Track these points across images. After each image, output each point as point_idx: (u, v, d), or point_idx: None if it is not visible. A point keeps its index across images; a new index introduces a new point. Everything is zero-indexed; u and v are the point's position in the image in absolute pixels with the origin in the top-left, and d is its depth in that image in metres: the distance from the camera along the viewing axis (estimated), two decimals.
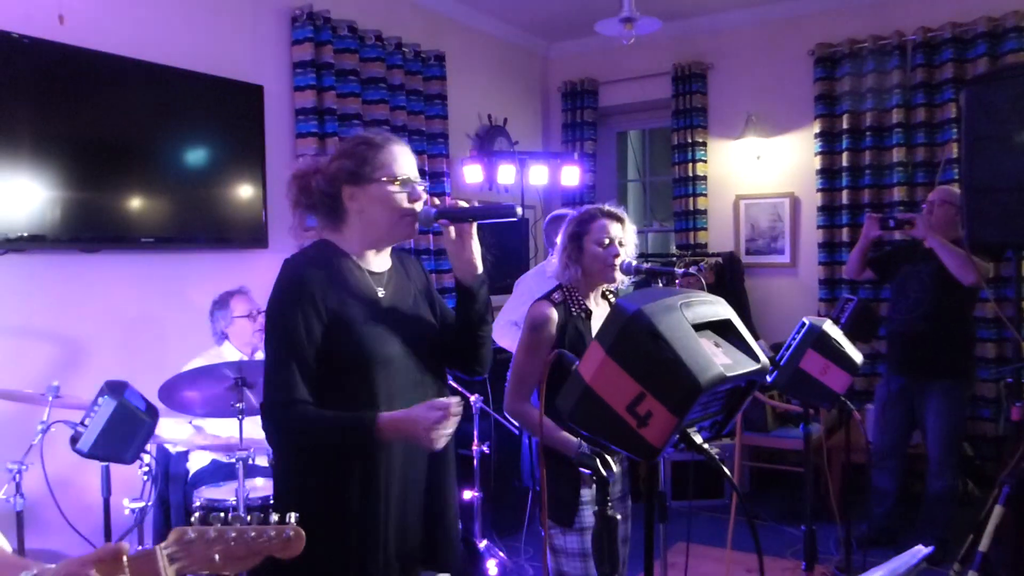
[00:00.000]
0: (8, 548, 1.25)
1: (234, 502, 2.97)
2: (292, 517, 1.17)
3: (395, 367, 1.80)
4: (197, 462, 3.49)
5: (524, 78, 6.48)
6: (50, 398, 2.83)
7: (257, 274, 4.18)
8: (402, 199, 1.83)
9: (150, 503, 2.80)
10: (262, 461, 3.41)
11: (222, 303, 3.59)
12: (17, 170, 3.28)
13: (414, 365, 1.85)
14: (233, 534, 1.12)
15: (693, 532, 4.50)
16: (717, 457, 1.33)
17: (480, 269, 1.89)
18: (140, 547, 2.89)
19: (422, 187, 1.87)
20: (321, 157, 1.91)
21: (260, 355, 3.69)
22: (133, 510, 2.78)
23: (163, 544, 1.09)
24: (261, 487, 3.20)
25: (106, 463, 2.55)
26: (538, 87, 6.64)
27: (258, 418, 3.51)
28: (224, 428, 3.44)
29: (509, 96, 6.25)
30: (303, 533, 1.17)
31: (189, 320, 3.84)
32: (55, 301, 3.48)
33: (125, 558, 1.08)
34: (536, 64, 6.63)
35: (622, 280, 2.53)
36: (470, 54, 5.82)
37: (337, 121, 4.59)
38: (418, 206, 1.85)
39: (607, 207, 2.55)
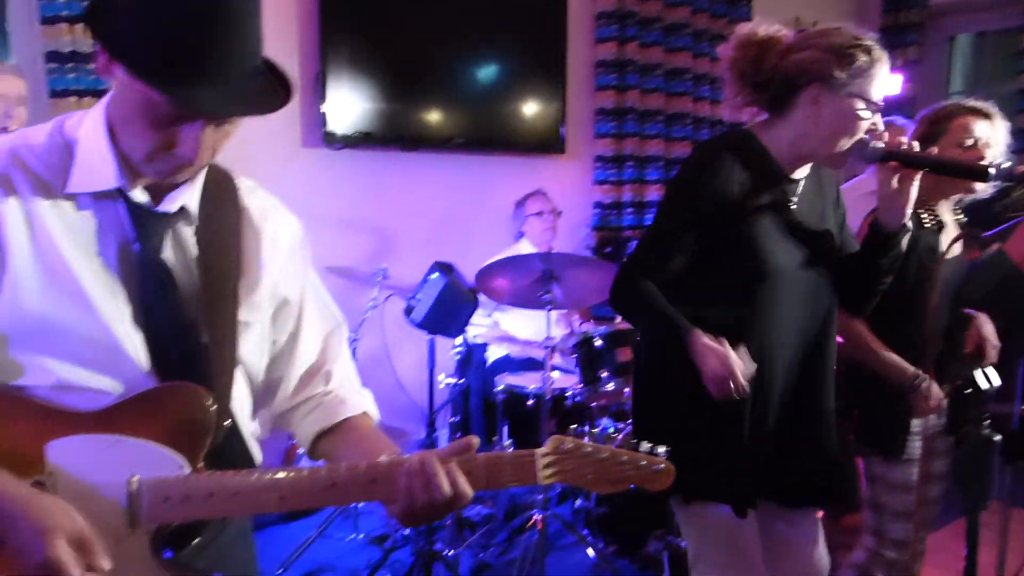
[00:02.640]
0: (375, 418, 1.31)
1: (532, 388, 3.11)
2: (663, 451, 1.13)
3: (788, 279, 1.69)
4: (495, 353, 3.69)
5: None
6: (379, 279, 3.12)
7: (553, 178, 4.27)
8: (862, 126, 1.64)
9: (463, 380, 3.00)
10: (557, 359, 3.52)
11: (520, 203, 3.74)
12: (340, 77, 3.61)
13: (807, 281, 1.72)
14: (606, 455, 1.10)
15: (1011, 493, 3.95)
16: None
17: (907, 219, 1.70)
18: (453, 420, 3.12)
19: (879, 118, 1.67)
20: (780, 28, 1.71)
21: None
22: (448, 385, 2.99)
23: (541, 450, 1.09)
24: (557, 380, 3.30)
25: (433, 336, 2.75)
26: None
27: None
28: (519, 327, 3.60)
29: None
30: (672, 470, 1.12)
31: (489, 219, 4.04)
32: (379, 194, 3.82)
33: (507, 456, 1.10)
34: None
35: (983, 188, 2.17)
36: None
37: (637, 26, 4.45)
38: (868, 137, 1.66)
39: (970, 102, 2.18)
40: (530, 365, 3.53)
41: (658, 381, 1.81)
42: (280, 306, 1.24)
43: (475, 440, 1.10)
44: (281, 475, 1.07)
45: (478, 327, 3.56)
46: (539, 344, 3.05)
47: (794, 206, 1.71)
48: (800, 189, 1.74)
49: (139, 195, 1.08)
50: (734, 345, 1.62)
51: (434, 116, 3.93)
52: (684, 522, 1.85)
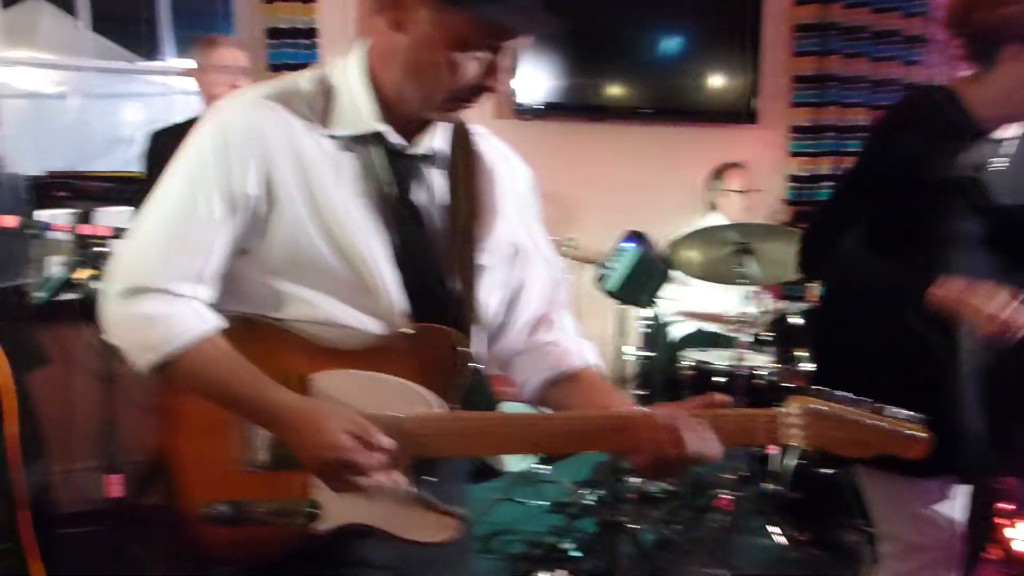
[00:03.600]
0: (601, 370, 1.30)
1: (723, 365, 3.00)
2: (917, 418, 1.04)
3: (982, 247, 1.56)
4: (681, 328, 3.60)
5: None
6: (567, 248, 3.11)
7: (744, 149, 4.09)
8: None
9: (652, 354, 2.95)
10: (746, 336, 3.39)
11: (717, 173, 3.60)
12: (529, 55, 3.65)
13: (1006, 250, 1.58)
14: (855, 417, 1.04)
15: None
16: None
17: None
18: (638, 393, 3.08)
19: None
20: None
21: None
22: (634, 358, 2.95)
23: (786, 409, 1.05)
24: (748, 356, 3.17)
25: (623, 306, 2.73)
26: None
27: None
28: (708, 303, 3.49)
29: None
30: (930, 439, 1.04)
31: (676, 190, 3.94)
32: (567, 165, 3.82)
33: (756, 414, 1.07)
34: None
35: None
36: None
37: None
38: None
39: None
40: (717, 342, 3.42)
41: (859, 345, 1.69)
42: (511, 252, 1.25)
43: (726, 397, 1.08)
44: (534, 419, 1.08)
45: (667, 301, 3.49)
46: (731, 320, 2.94)
47: (994, 167, 1.57)
48: (1002, 149, 1.59)
49: (394, 138, 1.13)
50: None
51: (620, 86, 3.91)
52: (879, 496, 1.74)
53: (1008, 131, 1.60)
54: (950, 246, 1.57)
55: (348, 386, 1.09)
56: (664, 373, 3.51)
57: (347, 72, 1.12)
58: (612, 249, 2.52)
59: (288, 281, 1.10)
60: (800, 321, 2.93)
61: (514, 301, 1.27)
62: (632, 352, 3.02)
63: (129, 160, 4.24)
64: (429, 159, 1.16)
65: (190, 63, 2.80)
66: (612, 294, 2.47)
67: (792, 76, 4.24)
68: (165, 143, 2.77)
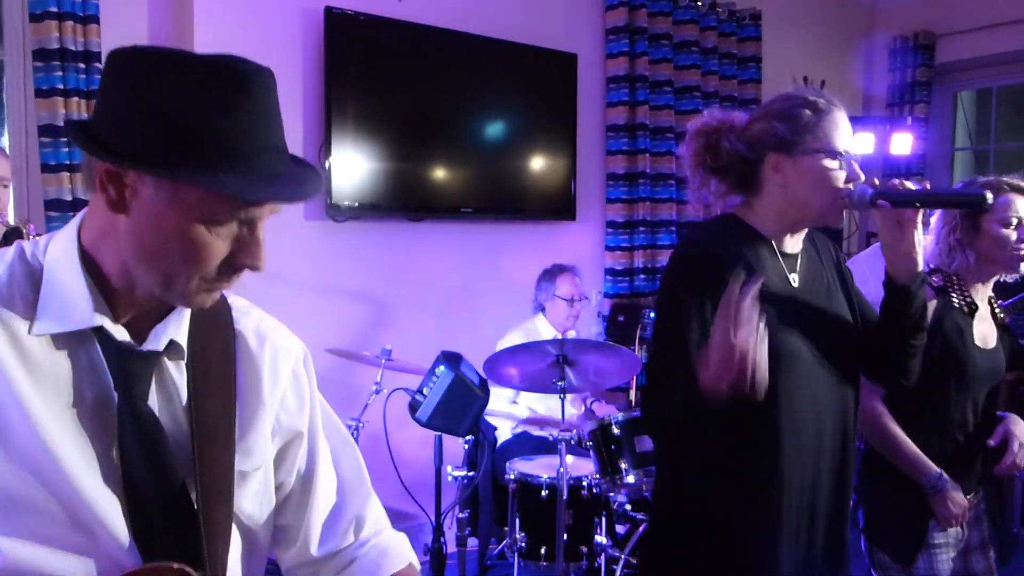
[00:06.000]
0: (418, 567, 1.17)
1: (546, 478, 2.93)
2: None
3: (804, 365, 1.55)
4: (505, 432, 3.52)
5: (845, 34, 5.77)
6: (383, 360, 2.95)
7: (564, 247, 4.13)
8: (838, 177, 1.55)
9: (473, 474, 2.83)
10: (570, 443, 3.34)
11: (550, 276, 3.56)
12: (344, 144, 3.46)
13: (827, 364, 1.58)
14: None
15: None
16: None
17: (920, 266, 1.57)
18: (461, 516, 2.92)
19: (856, 163, 1.57)
20: (733, 112, 1.70)
21: (572, 334, 3.63)
22: (456, 478, 2.82)
23: None
24: (571, 465, 3.13)
25: (440, 433, 2.60)
26: (861, 44, 5.89)
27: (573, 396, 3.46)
28: (539, 404, 3.43)
29: (827, 56, 5.60)
30: None
31: (499, 288, 3.90)
32: (385, 267, 3.67)
33: None
34: (860, 18, 5.89)
35: None
36: (787, 10, 5.28)
37: (648, 88, 4.37)
38: (852, 186, 1.55)
39: (1014, 179, 2.07)
40: (543, 447, 3.35)
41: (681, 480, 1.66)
42: (287, 443, 1.08)
43: None
44: None
45: (496, 410, 3.39)
46: (552, 432, 2.88)
47: (796, 284, 1.60)
48: (800, 264, 1.63)
49: (118, 333, 0.93)
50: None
51: (441, 184, 3.80)
52: None
53: (797, 246, 1.64)
54: (780, 367, 1.51)
55: None
56: (489, 481, 3.40)
57: (58, 253, 0.92)
58: (424, 375, 2.38)
59: None
60: (618, 432, 2.91)
61: (303, 499, 1.09)
62: (454, 472, 2.88)
63: None
64: (169, 352, 0.97)
65: None
66: (425, 424, 2.33)
67: (606, 173, 4.38)
68: None
